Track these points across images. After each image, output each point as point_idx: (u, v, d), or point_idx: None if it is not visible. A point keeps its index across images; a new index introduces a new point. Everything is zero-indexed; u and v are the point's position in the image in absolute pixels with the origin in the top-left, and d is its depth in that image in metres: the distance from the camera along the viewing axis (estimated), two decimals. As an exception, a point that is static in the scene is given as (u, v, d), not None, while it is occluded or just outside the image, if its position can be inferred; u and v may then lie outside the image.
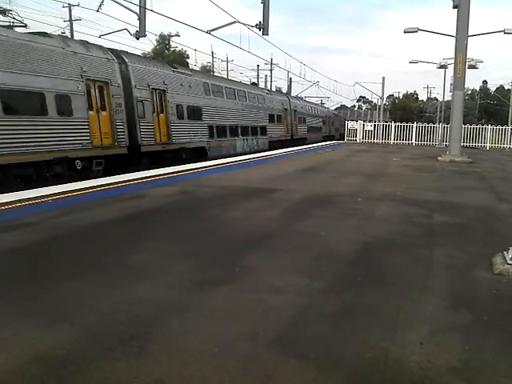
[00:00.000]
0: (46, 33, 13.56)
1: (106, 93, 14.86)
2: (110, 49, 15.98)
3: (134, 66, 16.52)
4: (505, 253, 4.92)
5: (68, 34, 42.03)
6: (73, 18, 42.03)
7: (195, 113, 20.35)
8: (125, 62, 16.02)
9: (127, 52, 17.72)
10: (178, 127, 18.78)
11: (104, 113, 14.74)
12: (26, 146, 11.85)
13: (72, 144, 13.27)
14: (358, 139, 34.27)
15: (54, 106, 12.71)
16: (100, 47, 15.44)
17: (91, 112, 14.12)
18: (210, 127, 21.66)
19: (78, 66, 13.69)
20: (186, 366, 2.83)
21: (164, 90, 18.04)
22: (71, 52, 13.60)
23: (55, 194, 8.21)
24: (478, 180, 13.05)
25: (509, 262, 4.72)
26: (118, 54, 16.13)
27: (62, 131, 13.06)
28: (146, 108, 16.76)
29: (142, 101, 16.55)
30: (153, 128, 17.12)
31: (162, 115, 17.84)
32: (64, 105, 13.08)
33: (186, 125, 19.48)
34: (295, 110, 36.01)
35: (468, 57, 21.53)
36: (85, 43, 15.10)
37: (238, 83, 28.84)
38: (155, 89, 17.44)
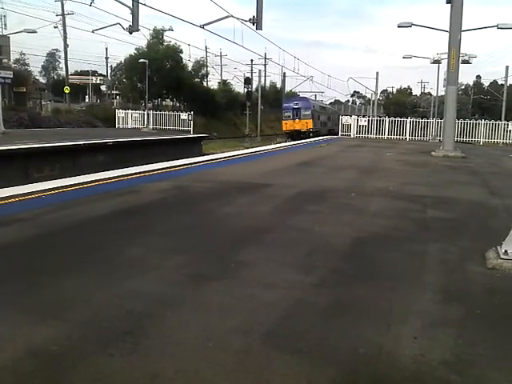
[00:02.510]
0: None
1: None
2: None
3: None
4: (498, 247, 4.93)
5: (60, 28, 41.83)
6: (65, 12, 41.82)
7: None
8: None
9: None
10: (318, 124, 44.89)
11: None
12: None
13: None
14: (352, 134, 34.28)
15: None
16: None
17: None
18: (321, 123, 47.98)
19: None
20: (180, 361, 2.83)
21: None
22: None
23: (49, 190, 8.17)
24: (472, 175, 13.11)
25: (502, 256, 4.74)
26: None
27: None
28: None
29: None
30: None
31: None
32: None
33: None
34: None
35: (461, 52, 21.55)
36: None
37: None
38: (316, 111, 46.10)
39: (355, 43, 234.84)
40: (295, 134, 39.46)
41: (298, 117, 41.47)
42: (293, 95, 64.79)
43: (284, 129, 42.74)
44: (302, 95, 61.78)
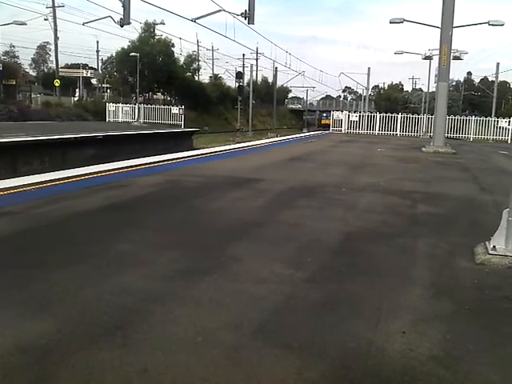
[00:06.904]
0: None
1: None
2: None
3: None
4: (486, 243, 4.97)
5: (51, 20, 41.40)
6: (56, 5, 41.36)
7: None
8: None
9: None
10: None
11: None
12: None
13: None
14: (343, 129, 34.33)
15: None
16: None
17: None
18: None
19: None
20: (170, 355, 2.83)
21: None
22: None
23: (38, 183, 8.11)
24: (462, 171, 13.18)
25: (490, 251, 4.78)
26: None
27: None
28: None
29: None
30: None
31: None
32: None
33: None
34: None
35: (453, 48, 21.64)
36: None
37: None
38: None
39: (349, 39, 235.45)
40: (326, 126, 58.96)
41: (328, 118, 61.30)
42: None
43: (321, 123, 64.79)
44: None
